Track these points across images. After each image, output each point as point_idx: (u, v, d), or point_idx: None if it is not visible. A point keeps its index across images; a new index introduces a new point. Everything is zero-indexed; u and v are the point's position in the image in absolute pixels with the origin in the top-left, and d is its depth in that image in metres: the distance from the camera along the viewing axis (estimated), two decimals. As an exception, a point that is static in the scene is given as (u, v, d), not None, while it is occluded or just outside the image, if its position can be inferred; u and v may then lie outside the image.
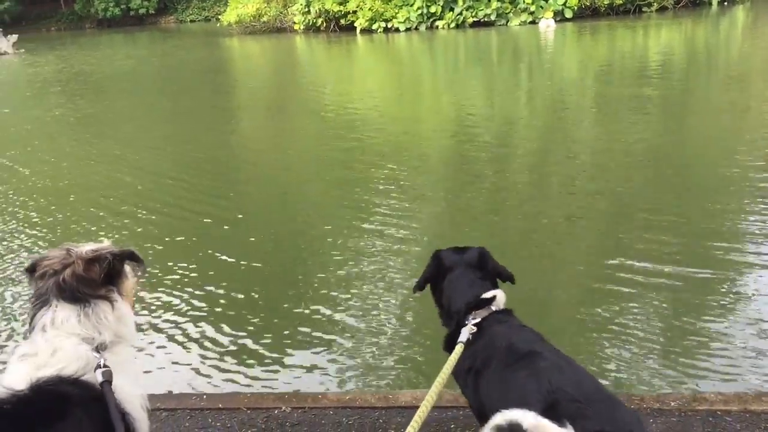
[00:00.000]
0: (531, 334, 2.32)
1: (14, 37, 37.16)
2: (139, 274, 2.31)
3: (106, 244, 2.22)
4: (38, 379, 1.79)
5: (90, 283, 2.07)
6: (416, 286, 2.74)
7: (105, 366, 1.90)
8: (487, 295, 2.49)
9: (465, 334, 2.33)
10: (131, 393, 1.99)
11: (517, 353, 2.17)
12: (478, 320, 2.39)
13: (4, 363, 4.83)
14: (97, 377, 1.88)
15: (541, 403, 1.93)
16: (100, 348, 1.98)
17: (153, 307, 5.55)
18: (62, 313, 2.00)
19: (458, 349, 2.27)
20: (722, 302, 4.89)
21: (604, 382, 4.05)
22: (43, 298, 2.03)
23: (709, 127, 10.02)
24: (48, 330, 1.96)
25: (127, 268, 2.24)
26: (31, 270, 2.15)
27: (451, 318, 2.58)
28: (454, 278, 2.62)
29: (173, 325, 5.25)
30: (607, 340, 4.55)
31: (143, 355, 4.78)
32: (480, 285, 2.56)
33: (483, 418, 2.28)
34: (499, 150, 9.75)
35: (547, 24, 26.08)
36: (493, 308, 2.46)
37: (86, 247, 2.15)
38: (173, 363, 4.72)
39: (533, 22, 26.90)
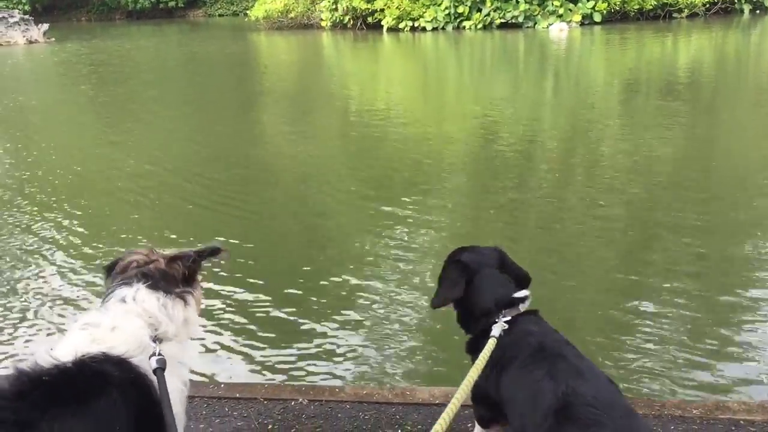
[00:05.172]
0: (558, 335, 2.31)
1: (45, 26, 37.53)
2: (223, 259, 2.45)
3: (187, 250, 2.34)
4: (85, 354, 1.81)
5: (170, 278, 2.19)
6: (437, 301, 2.60)
7: (160, 355, 1.95)
8: (520, 294, 2.45)
9: (497, 329, 2.31)
10: (174, 388, 2.02)
11: (542, 353, 2.16)
12: (508, 318, 2.36)
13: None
14: (152, 364, 1.91)
15: (555, 403, 1.92)
16: (157, 339, 2.03)
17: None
18: (143, 293, 2.09)
19: (491, 343, 2.25)
20: (749, 312, 4.81)
21: (625, 386, 4.03)
22: (127, 281, 2.13)
23: (735, 146, 9.83)
24: (127, 302, 2.05)
25: (199, 277, 2.35)
26: (110, 268, 2.26)
27: (477, 321, 2.49)
28: (483, 277, 2.53)
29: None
30: (631, 346, 4.50)
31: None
32: (509, 284, 2.52)
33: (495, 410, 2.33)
34: (520, 160, 9.66)
35: (560, 28, 25.63)
36: (521, 308, 2.43)
37: (168, 251, 2.30)
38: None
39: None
